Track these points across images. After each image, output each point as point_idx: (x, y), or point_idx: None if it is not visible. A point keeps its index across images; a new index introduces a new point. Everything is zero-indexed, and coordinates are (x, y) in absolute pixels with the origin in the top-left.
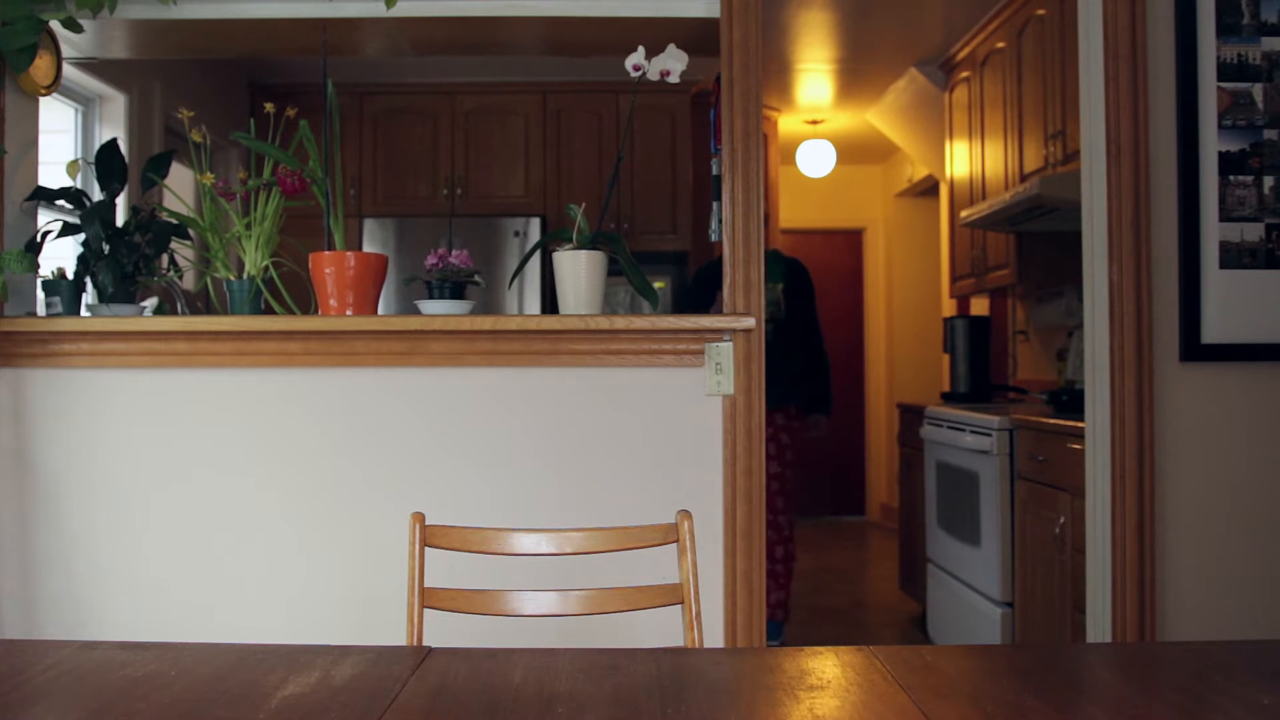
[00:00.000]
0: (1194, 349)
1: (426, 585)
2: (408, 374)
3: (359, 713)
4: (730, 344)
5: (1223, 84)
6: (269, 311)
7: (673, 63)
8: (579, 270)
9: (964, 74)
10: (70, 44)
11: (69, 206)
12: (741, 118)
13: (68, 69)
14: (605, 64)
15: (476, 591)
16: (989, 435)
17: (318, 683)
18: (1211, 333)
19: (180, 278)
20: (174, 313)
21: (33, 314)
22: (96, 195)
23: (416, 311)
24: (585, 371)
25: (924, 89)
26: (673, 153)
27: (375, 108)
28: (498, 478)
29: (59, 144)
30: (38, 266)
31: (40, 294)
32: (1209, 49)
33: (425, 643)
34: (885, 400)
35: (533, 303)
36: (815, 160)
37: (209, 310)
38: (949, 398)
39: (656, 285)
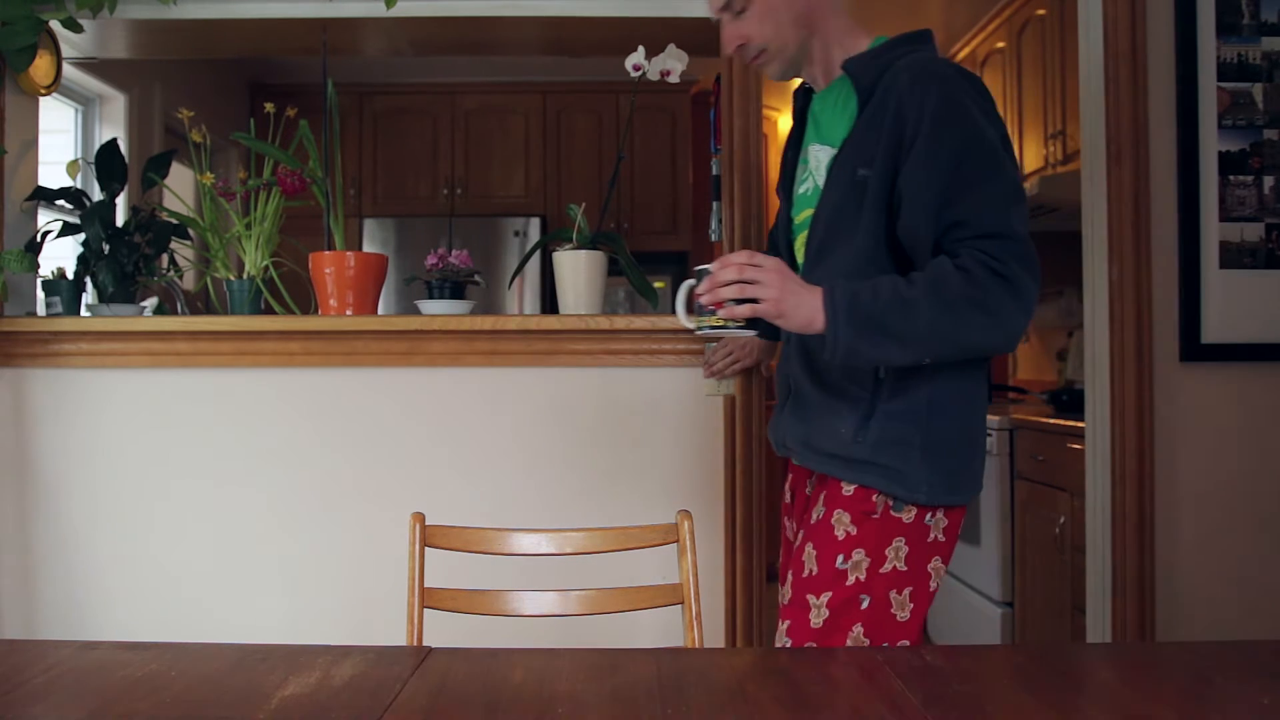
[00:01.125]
0: (1194, 349)
1: (426, 585)
2: (408, 374)
3: (359, 713)
4: None
5: (1223, 84)
6: (269, 311)
7: (673, 63)
8: (579, 270)
9: None
10: (70, 44)
11: (69, 206)
12: (741, 118)
13: (68, 69)
14: (605, 64)
15: (476, 591)
16: (989, 435)
17: (318, 683)
18: (1211, 333)
19: (180, 278)
20: (174, 313)
21: (33, 314)
22: (96, 195)
23: (416, 311)
24: (585, 371)
25: None
26: (673, 153)
27: (375, 108)
28: (498, 477)
29: (59, 144)
30: (38, 266)
31: (40, 294)
32: (1209, 49)
33: (425, 643)
34: None
35: (533, 303)
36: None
37: (209, 310)
38: None
39: (656, 285)
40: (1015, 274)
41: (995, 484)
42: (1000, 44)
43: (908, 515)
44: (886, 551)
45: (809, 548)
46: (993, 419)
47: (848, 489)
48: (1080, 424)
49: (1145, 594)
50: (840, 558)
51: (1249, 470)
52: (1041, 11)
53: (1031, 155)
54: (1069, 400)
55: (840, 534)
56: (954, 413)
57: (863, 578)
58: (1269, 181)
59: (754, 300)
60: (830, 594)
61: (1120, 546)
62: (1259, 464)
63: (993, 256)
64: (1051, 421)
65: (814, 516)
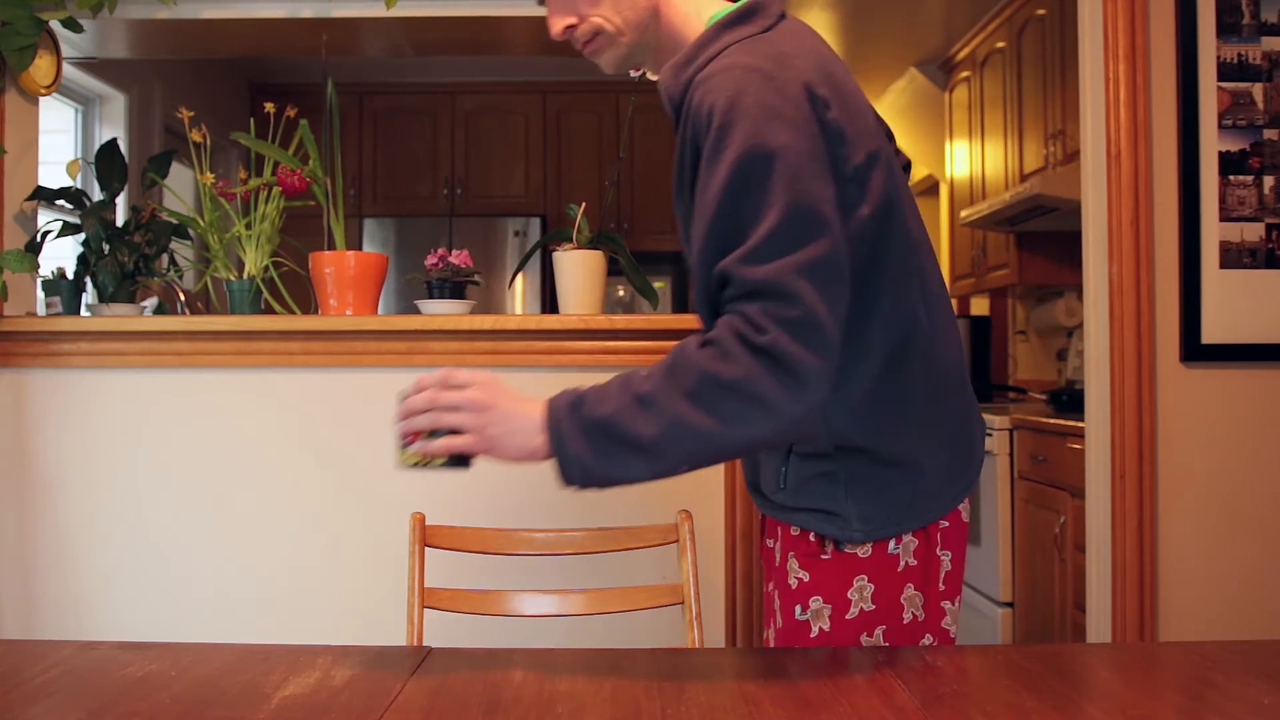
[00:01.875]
0: (1194, 349)
1: (426, 585)
2: (408, 374)
3: (359, 713)
4: None
5: (1223, 84)
6: (269, 311)
7: None
8: (579, 270)
9: (964, 74)
10: (70, 44)
11: (69, 206)
12: None
13: (68, 69)
14: None
15: (476, 591)
16: (989, 435)
17: (318, 683)
18: (1212, 333)
19: (180, 278)
20: (174, 313)
21: (33, 314)
22: (96, 195)
23: (416, 311)
24: (586, 372)
25: (924, 89)
26: (673, 152)
27: (375, 108)
28: (498, 477)
29: (59, 144)
30: (38, 266)
31: (40, 294)
32: (1209, 49)
33: (425, 643)
34: None
35: (533, 303)
36: None
37: (209, 310)
38: None
39: (656, 285)
40: (781, 346)
41: (995, 484)
42: (1000, 44)
43: (864, 550)
44: (849, 594)
45: (775, 595)
46: (992, 419)
47: (794, 529)
48: (1080, 424)
49: (1145, 594)
50: (798, 608)
51: (1249, 470)
52: (1041, 11)
53: (1031, 155)
54: (1069, 400)
55: (793, 581)
56: (877, 439)
57: (826, 628)
58: (1269, 181)
59: (455, 431)
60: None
61: (1120, 546)
62: (1259, 464)
63: (752, 324)
64: (1051, 421)
65: (776, 556)
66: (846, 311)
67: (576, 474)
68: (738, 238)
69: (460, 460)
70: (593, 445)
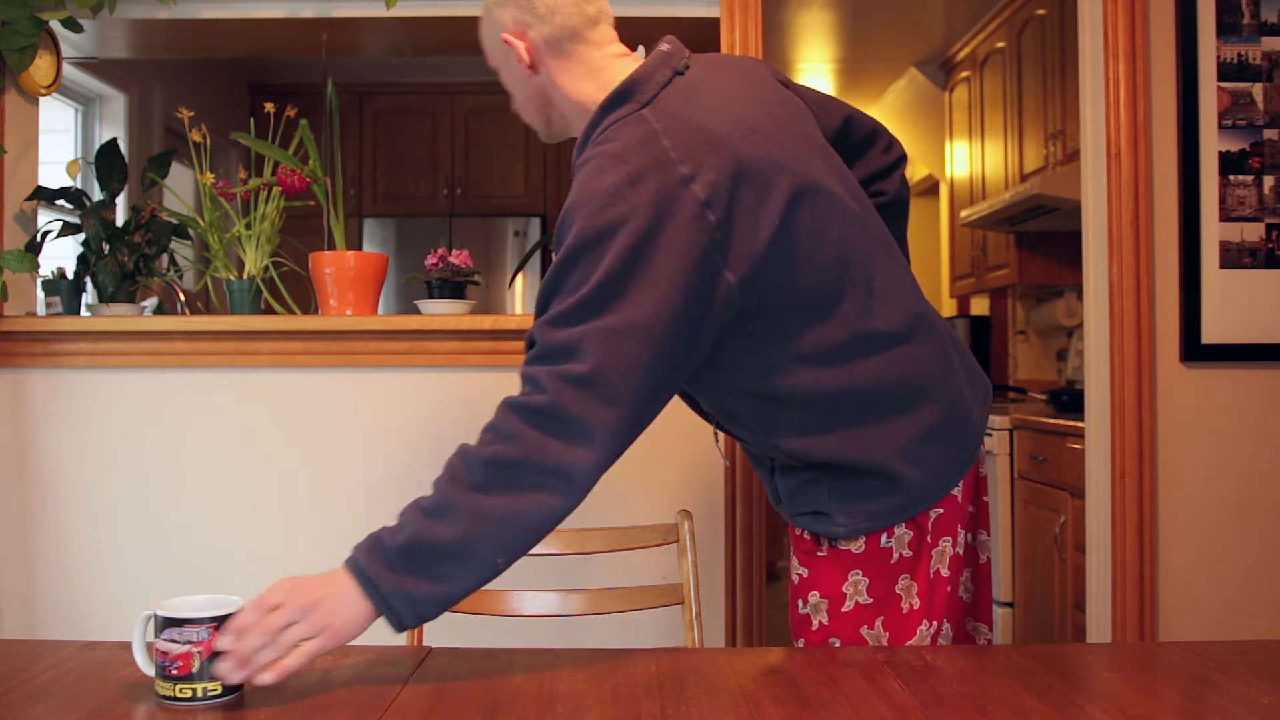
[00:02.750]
0: (1194, 349)
1: None
2: (408, 374)
3: (359, 713)
4: None
5: (1223, 84)
6: (269, 311)
7: None
8: None
9: (964, 74)
10: (70, 44)
11: (69, 206)
12: None
13: (68, 69)
14: None
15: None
16: (989, 435)
17: (318, 683)
18: (1212, 333)
19: (180, 278)
20: (174, 313)
21: (33, 314)
22: (96, 195)
23: (416, 311)
24: None
25: (924, 89)
26: None
27: (375, 108)
28: None
29: (59, 144)
30: (38, 266)
31: (40, 294)
32: (1209, 49)
33: (425, 643)
34: None
35: (533, 303)
36: None
37: (209, 310)
38: None
39: None
40: (561, 404)
41: (995, 484)
42: (1000, 44)
43: (857, 546)
44: (844, 589)
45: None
46: (993, 419)
47: (798, 529)
48: (1080, 424)
49: (1145, 594)
50: (800, 603)
51: (1249, 470)
52: (1041, 11)
53: (1031, 155)
54: (1069, 400)
55: (795, 577)
56: (842, 456)
57: (825, 621)
58: (1269, 181)
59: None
60: (802, 640)
61: (1120, 546)
62: (1259, 464)
63: (535, 385)
64: (1051, 421)
65: (788, 552)
66: (651, 376)
67: (407, 610)
68: (546, 304)
69: (235, 686)
70: (406, 574)
